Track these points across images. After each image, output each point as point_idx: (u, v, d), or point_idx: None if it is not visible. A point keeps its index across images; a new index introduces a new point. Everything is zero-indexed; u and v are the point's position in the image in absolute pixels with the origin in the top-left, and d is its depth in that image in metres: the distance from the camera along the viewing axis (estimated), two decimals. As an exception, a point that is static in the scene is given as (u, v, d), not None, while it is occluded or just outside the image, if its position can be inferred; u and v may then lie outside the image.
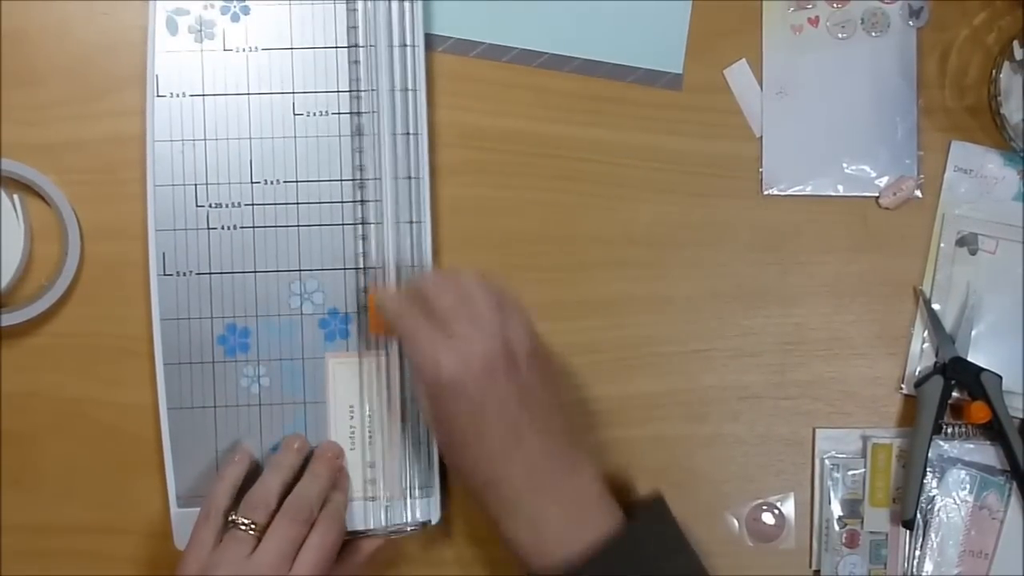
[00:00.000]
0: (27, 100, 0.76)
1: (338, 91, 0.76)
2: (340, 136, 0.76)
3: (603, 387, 0.78)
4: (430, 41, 0.77)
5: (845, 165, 0.79)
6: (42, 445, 0.76)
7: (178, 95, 0.75)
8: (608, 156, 0.78)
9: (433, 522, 0.75)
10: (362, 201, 0.75)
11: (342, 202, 0.75)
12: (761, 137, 0.79)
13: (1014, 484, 0.77)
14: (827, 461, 0.78)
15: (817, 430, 0.78)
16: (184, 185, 0.75)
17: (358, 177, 0.75)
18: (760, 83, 0.79)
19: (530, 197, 0.78)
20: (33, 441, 0.76)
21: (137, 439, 0.76)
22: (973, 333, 0.78)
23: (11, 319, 0.74)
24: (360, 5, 0.75)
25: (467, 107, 0.78)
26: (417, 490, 0.75)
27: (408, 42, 0.75)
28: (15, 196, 0.75)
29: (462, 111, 0.78)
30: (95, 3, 0.77)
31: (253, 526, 0.67)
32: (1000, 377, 0.76)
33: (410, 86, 0.75)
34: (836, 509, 0.78)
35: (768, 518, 0.78)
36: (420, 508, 0.75)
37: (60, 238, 0.76)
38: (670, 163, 0.79)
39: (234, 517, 0.68)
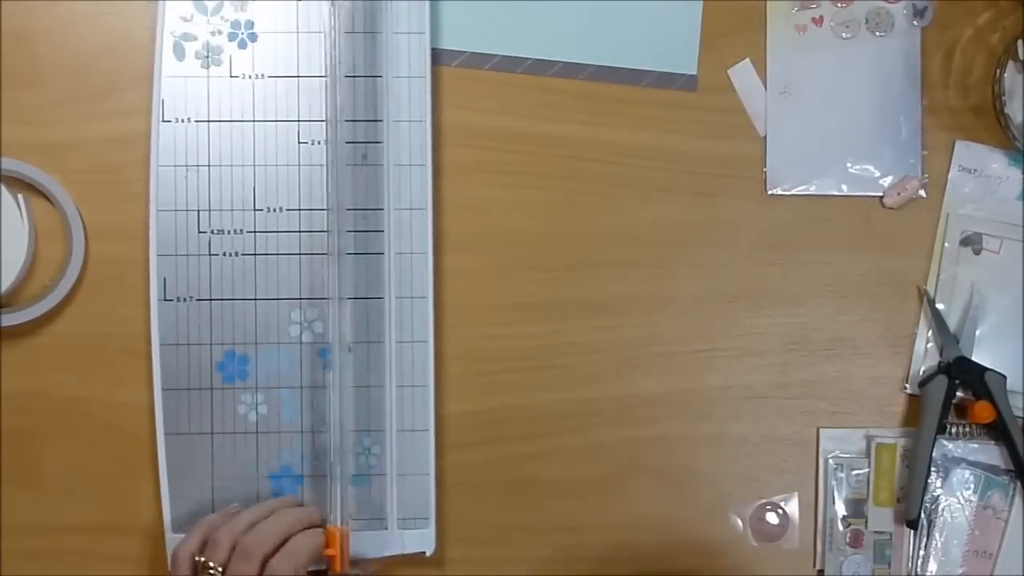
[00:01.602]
0: (31, 100, 0.76)
1: (343, 120, 0.75)
2: (344, 165, 0.75)
3: (606, 387, 0.78)
4: (442, 56, 0.77)
5: (849, 165, 0.79)
6: (43, 445, 0.76)
7: (183, 120, 0.75)
8: (612, 156, 0.78)
9: (427, 553, 0.75)
10: (364, 231, 0.75)
11: (344, 231, 0.75)
12: (765, 137, 0.79)
13: (1018, 484, 0.77)
14: (831, 461, 0.78)
15: (821, 430, 0.78)
16: (187, 211, 0.75)
17: (361, 207, 0.75)
18: (764, 83, 0.79)
19: (534, 196, 0.78)
20: (34, 441, 0.76)
21: (138, 439, 0.76)
22: (977, 333, 0.78)
23: (14, 319, 0.74)
24: (367, 36, 0.75)
25: (473, 107, 0.78)
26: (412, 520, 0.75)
27: (414, 73, 0.75)
28: (19, 196, 0.75)
29: (468, 111, 0.78)
30: (100, 3, 0.77)
31: (216, 568, 0.66)
32: (1004, 377, 0.76)
33: (415, 117, 0.75)
34: (840, 509, 0.77)
35: (772, 518, 0.78)
36: (415, 539, 0.75)
37: (64, 238, 0.76)
38: (674, 163, 0.79)
39: (200, 559, 0.67)
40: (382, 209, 0.75)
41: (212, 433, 0.75)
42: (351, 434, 0.74)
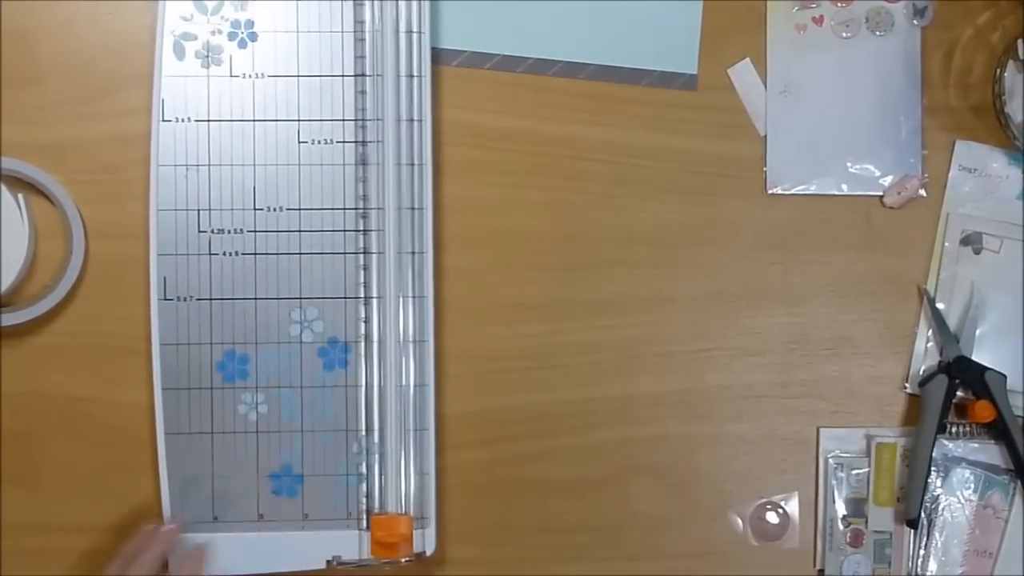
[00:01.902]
0: (31, 100, 0.76)
1: (343, 120, 0.75)
2: (344, 165, 0.75)
3: (606, 386, 0.78)
4: (442, 56, 0.77)
5: (849, 164, 0.79)
6: (43, 445, 0.76)
7: (183, 120, 0.75)
8: (612, 156, 0.78)
9: (428, 553, 0.75)
10: (364, 230, 0.75)
11: (344, 231, 0.75)
12: (765, 136, 0.79)
13: (1018, 483, 0.77)
14: (831, 460, 0.78)
15: (821, 429, 0.78)
16: (187, 210, 0.75)
17: (361, 206, 0.75)
18: (764, 82, 0.79)
19: (534, 196, 0.78)
20: (35, 441, 0.76)
21: (138, 439, 0.76)
22: (977, 332, 0.78)
23: (15, 318, 0.74)
24: (368, 35, 0.75)
25: (473, 107, 0.78)
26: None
27: (414, 72, 0.75)
28: (20, 195, 0.75)
29: (468, 110, 0.78)
30: (100, 3, 0.77)
31: None
32: (1004, 376, 0.76)
33: (415, 116, 0.75)
34: (840, 508, 0.78)
35: (772, 517, 0.78)
36: (416, 539, 0.74)
37: (64, 238, 0.76)
38: (674, 162, 0.79)
39: None
40: (382, 209, 0.75)
41: (212, 433, 0.75)
42: (394, 427, 0.75)
